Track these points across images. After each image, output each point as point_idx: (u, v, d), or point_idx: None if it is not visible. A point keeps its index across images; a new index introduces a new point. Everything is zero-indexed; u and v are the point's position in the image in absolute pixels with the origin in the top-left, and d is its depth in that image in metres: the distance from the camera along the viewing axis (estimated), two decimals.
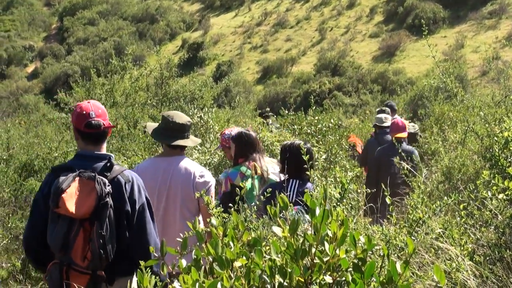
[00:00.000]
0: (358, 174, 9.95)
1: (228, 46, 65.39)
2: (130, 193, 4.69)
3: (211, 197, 5.70)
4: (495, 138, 5.49)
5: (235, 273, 2.31)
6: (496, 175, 4.87)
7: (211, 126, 10.99)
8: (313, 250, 2.32)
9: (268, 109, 14.96)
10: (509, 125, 5.32)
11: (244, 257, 2.32)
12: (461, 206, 5.12)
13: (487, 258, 4.66)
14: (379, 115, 12.12)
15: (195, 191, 5.67)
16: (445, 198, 5.16)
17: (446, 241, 4.75)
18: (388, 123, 11.38)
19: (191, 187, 5.94)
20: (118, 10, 79.74)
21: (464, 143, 9.62)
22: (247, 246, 2.43)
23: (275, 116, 14.03)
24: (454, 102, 12.20)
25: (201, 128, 11.12)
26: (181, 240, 2.68)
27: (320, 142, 10.43)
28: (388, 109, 12.89)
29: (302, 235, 2.39)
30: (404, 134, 10.34)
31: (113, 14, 78.48)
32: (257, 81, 56.05)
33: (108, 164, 4.69)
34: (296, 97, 45.09)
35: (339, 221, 2.37)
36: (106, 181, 4.54)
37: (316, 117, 11.07)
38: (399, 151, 8.86)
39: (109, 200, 4.48)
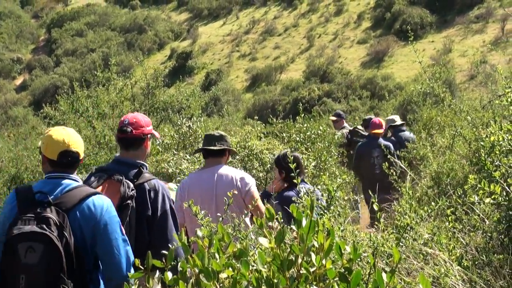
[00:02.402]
0: (347, 180, 9.96)
1: (216, 55, 65.40)
2: (154, 200, 5.05)
3: (254, 194, 6.42)
4: (482, 142, 5.50)
5: (221, 284, 2.31)
6: (483, 179, 4.88)
7: (199, 136, 10.98)
8: (300, 260, 2.32)
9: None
10: (495, 130, 5.33)
11: (230, 268, 2.32)
12: (449, 211, 5.13)
13: (476, 263, 4.67)
14: (391, 116, 13.09)
15: (240, 192, 6.21)
16: (433, 203, 5.17)
17: (434, 247, 4.76)
18: (400, 122, 12.59)
19: (238, 189, 6.40)
20: (106, 21, 79.59)
21: (452, 148, 9.66)
22: (233, 257, 2.43)
23: (264, 124, 14.05)
24: (442, 107, 12.24)
25: (190, 138, 11.12)
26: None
27: (309, 150, 10.44)
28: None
29: (289, 245, 2.39)
30: (380, 131, 11.68)
31: (101, 25, 78.33)
32: (246, 89, 56.06)
33: (138, 171, 5.10)
34: (286, 105, 45.10)
35: (326, 231, 2.38)
36: (132, 185, 4.94)
37: (305, 125, 11.08)
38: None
39: (131, 202, 4.87)
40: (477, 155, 6.21)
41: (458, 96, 24.62)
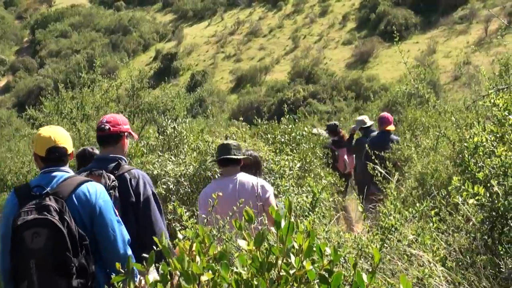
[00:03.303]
0: (333, 181, 9.96)
1: (201, 56, 65.41)
2: (136, 187, 5.29)
3: (271, 202, 6.59)
4: (465, 143, 5.52)
5: (202, 287, 2.30)
6: (467, 180, 4.89)
7: (184, 137, 10.94)
8: (279, 262, 2.32)
9: (336, 122, 15.18)
10: (479, 131, 5.35)
11: (210, 271, 2.32)
12: (433, 212, 5.14)
13: (459, 264, 4.68)
14: (361, 117, 13.29)
15: (260, 198, 6.42)
16: (417, 204, 5.18)
17: (418, 248, 4.77)
18: (371, 122, 12.85)
19: (254, 197, 6.55)
20: (90, 22, 79.36)
21: (437, 149, 9.67)
22: (214, 260, 2.43)
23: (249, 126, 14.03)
24: (426, 108, 12.27)
25: (175, 139, 11.08)
26: None
27: (294, 151, 10.43)
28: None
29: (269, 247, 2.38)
30: (393, 127, 11.96)
31: (85, 26, 78.10)
32: (231, 90, 56.10)
33: (116, 164, 5.36)
34: (271, 106, 45.17)
35: (306, 233, 2.37)
36: (113, 177, 5.20)
37: (290, 126, 11.07)
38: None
39: (113, 192, 5.10)
40: (461, 156, 6.22)
41: (442, 97, 24.74)
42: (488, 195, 4.84)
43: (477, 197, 4.77)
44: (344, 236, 4.84)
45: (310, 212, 4.89)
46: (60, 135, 4.84)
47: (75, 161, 7.03)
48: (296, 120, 11.92)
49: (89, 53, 66.38)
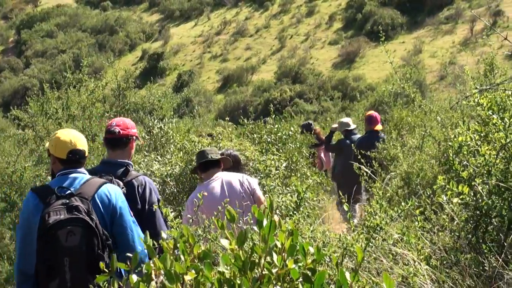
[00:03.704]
0: (319, 181, 9.97)
1: (188, 56, 65.22)
2: (142, 194, 5.53)
3: (258, 193, 6.89)
4: (450, 143, 5.55)
5: (186, 286, 2.31)
6: (451, 179, 4.92)
7: (171, 137, 10.93)
8: (262, 261, 2.33)
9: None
10: (463, 130, 5.38)
11: (194, 271, 2.32)
12: (418, 211, 5.17)
13: (444, 262, 4.71)
14: (345, 120, 13.60)
15: (249, 191, 6.76)
16: (403, 203, 5.20)
17: (404, 247, 4.79)
18: (354, 126, 13.22)
19: (245, 189, 6.88)
20: (76, 22, 78.94)
21: (422, 148, 9.71)
22: (198, 259, 2.43)
23: (235, 126, 14.03)
24: (412, 107, 12.32)
25: (161, 139, 11.07)
26: None
27: (281, 150, 10.43)
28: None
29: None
30: (381, 127, 12.43)
31: (71, 26, 77.67)
32: (218, 90, 55.97)
33: (125, 170, 5.60)
34: (257, 106, 45.07)
35: (289, 231, 2.38)
36: (121, 183, 5.35)
37: (276, 126, 11.07)
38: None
39: None
40: (446, 155, 6.26)
41: (428, 96, 24.79)
42: (472, 194, 4.87)
43: (461, 196, 4.81)
44: (329, 236, 4.86)
45: (295, 212, 4.89)
46: (78, 138, 5.08)
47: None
48: (282, 120, 11.94)
49: (75, 53, 66.02)
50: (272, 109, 12.01)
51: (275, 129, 10.90)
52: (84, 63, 14.62)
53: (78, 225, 4.57)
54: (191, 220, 5.47)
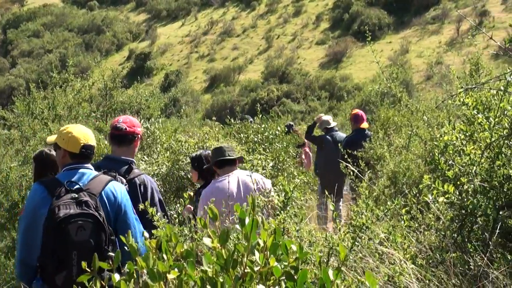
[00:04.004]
0: (306, 180, 9.97)
1: (175, 56, 65.22)
2: (144, 193, 5.64)
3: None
4: (436, 142, 5.56)
5: (170, 285, 2.31)
6: (437, 179, 4.93)
7: (158, 137, 10.91)
8: (244, 260, 2.33)
9: (240, 114, 15.12)
10: (449, 129, 5.39)
11: (176, 269, 2.32)
12: (404, 211, 5.17)
13: (429, 261, 4.72)
14: (326, 118, 13.57)
15: (263, 190, 6.60)
16: (389, 203, 5.21)
17: (390, 246, 4.79)
18: (334, 124, 13.34)
19: (260, 189, 6.73)
20: (63, 21, 78.73)
21: (409, 148, 9.73)
22: (180, 258, 2.43)
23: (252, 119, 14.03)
24: (399, 107, 12.34)
25: (148, 139, 11.04)
26: None
27: (267, 150, 10.42)
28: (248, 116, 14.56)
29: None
30: (367, 125, 12.63)
31: (58, 26, 77.45)
32: (205, 90, 56.00)
33: (128, 167, 5.70)
34: (244, 105, 45.14)
35: (271, 230, 2.39)
36: (124, 180, 5.47)
37: (263, 125, 11.06)
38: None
39: None
40: (431, 154, 6.27)
41: (415, 96, 24.85)
42: (457, 193, 4.88)
43: (447, 195, 4.82)
44: (315, 235, 4.85)
45: (281, 211, 4.89)
46: (89, 134, 5.22)
47: (33, 163, 6.93)
48: (269, 120, 11.93)
49: (61, 52, 65.92)
50: (259, 108, 12.00)
51: (262, 129, 10.89)
52: (70, 62, 14.58)
53: (88, 220, 4.65)
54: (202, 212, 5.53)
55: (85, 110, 13.74)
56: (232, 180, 6.95)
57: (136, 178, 5.67)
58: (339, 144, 11.42)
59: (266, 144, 10.63)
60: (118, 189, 5.04)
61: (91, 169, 5.12)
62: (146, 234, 3.11)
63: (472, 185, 4.89)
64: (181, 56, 64.61)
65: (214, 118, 12.63)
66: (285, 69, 53.13)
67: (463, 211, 4.85)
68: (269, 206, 6.07)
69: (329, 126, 13.12)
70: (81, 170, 5.03)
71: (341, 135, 13.19)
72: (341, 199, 12.06)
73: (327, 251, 4.53)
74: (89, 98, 14.73)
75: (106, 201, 4.91)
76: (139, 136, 6.01)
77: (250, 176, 6.93)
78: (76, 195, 4.73)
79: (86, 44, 71.39)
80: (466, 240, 4.82)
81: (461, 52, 37.51)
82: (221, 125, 13.92)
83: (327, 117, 13.70)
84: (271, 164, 9.53)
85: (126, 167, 5.72)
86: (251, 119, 13.89)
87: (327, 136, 12.87)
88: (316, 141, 13.57)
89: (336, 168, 12.02)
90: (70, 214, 4.61)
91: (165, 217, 5.57)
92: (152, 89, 19.71)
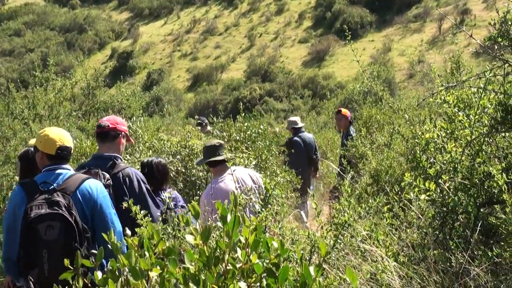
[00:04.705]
0: (289, 179, 9.98)
1: (158, 54, 65.10)
2: (130, 185, 5.77)
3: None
4: (417, 140, 5.59)
5: (152, 283, 2.31)
6: (419, 176, 4.95)
7: (140, 136, 10.88)
8: (226, 256, 2.34)
9: (197, 117, 15.01)
10: (430, 127, 5.42)
11: (158, 267, 2.33)
12: (386, 208, 5.20)
13: (411, 259, 4.74)
14: (293, 118, 13.80)
15: (258, 185, 6.90)
16: (371, 200, 5.23)
17: (372, 243, 4.81)
18: (302, 124, 13.50)
19: (256, 184, 7.05)
20: (45, 20, 78.30)
21: (391, 145, 9.77)
22: (162, 255, 2.44)
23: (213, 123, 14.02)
24: (380, 105, 12.40)
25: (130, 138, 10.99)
26: None
27: (250, 149, 10.42)
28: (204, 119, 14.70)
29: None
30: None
31: (39, 25, 77.03)
32: (188, 89, 55.92)
33: (112, 163, 5.84)
34: (227, 104, 45.13)
35: (252, 227, 2.39)
36: (107, 175, 5.63)
37: (245, 124, 11.06)
38: None
39: (108, 190, 5.40)
40: (413, 152, 6.30)
41: (397, 94, 24.95)
42: (439, 191, 4.91)
43: (428, 193, 4.84)
44: (298, 233, 4.87)
45: (263, 209, 4.90)
46: (65, 136, 5.36)
47: (18, 161, 6.93)
48: (252, 119, 11.93)
49: (43, 51, 65.57)
50: (241, 107, 12.01)
51: (245, 128, 10.89)
52: (51, 61, 14.51)
53: (57, 220, 4.78)
54: (205, 213, 5.54)
55: (67, 109, 13.68)
56: (229, 179, 6.92)
57: (121, 172, 5.81)
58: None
59: (248, 143, 10.63)
60: (94, 186, 5.16)
61: (68, 169, 5.26)
62: (128, 232, 3.12)
63: (453, 183, 4.92)
64: (163, 55, 64.50)
65: (197, 116, 12.62)
66: (267, 68, 53.14)
67: (445, 209, 4.87)
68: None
69: (297, 126, 13.22)
70: (58, 171, 5.18)
71: (309, 136, 13.39)
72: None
73: (309, 249, 4.55)
74: (71, 97, 14.68)
75: (81, 199, 5.03)
76: (123, 133, 6.14)
77: (249, 174, 7.12)
78: (49, 196, 4.90)
79: (68, 43, 71.08)
80: (448, 237, 4.84)
81: (442, 51, 37.60)
82: (208, 121, 13.93)
83: (295, 118, 13.84)
84: (253, 162, 9.54)
85: (111, 163, 5.86)
86: (205, 122, 13.97)
87: (296, 139, 12.95)
88: (287, 147, 13.67)
89: (306, 168, 12.34)
90: (40, 214, 4.78)
91: (155, 203, 5.88)
92: (134, 88, 19.66)
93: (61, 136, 5.30)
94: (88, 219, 5.04)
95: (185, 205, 6.88)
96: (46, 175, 5.18)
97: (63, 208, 4.85)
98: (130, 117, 13.37)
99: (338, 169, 10.41)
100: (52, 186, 5.00)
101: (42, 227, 4.76)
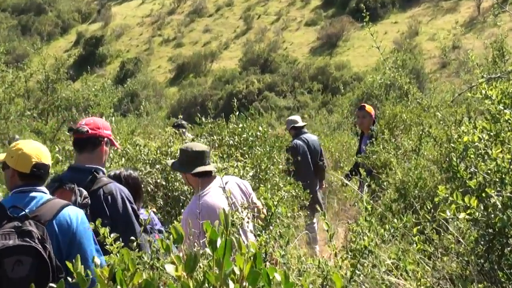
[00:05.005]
0: (294, 193, 9.92)
1: (134, 40, 65.32)
2: (112, 204, 5.69)
3: (254, 198, 7.29)
4: (453, 144, 5.51)
5: None
6: (456, 190, 4.86)
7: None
8: None
9: (181, 116, 14.97)
10: (469, 128, 5.33)
11: None
12: (415, 230, 5.11)
13: None
14: (293, 117, 13.80)
15: (248, 194, 7.12)
16: (396, 221, 5.14)
17: (399, 275, 4.73)
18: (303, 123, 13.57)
19: (246, 194, 7.19)
20: None
21: (420, 151, 9.71)
22: None
23: (190, 125, 14.00)
24: (405, 102, 12.35)
25: None
26: None
27: (246, 156, 10.37)
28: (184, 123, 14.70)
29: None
30: None
31: None
32: (170, 82, 56.09)
33: (92, 176, 5.75)
34: (218, 101, 45.24)
35: (250, 255, 2.33)
36: (85, 193, 5.50)
37: (241, 125, 11.00)
38: None
39: (84, 210, 5.26)
40: (448, 159, 6.23)
41: (428, 88, 24.95)
42: (482, 208, 4.82)
43: (469, 211, 4.75)
44: (306, 261, 4.79)
45: (263, 231, 4.83)
46: (43, 152, 5.20)
47: None
48: (248, 118, 11.88)
49: None
50: (236, 104, 11.95)
51: (240, 130, 10.83)
52: (1, 49, 14.46)
53: (29, 254, 4.62)
54: (191, 237, 5.43)
55: (19, 107, 13.63)
56: (216, 193, 6.88)
57: (102, 189, 5.71)
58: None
59: (244, 149, 10.57)
60: (74, 215, 5.02)
61: (44, 193, 5.12)
62: (97, 260, 3.07)
63: (501, 198, 4.83)
64: (140, 41, 64.72)
65: (181, 116, 12.57)
66: (267, 56, 53.29)
67: (491, 230, 4.79)
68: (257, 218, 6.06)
69: (297, 125, 13.08)
70: (32, 194, 5.04)
71: (313, 137, 13.39)
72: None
73: (321, 282, 4.47)
74: (25, 93, 14.63)
75: (58, 231, 4.90)
76: (107, 139, 6.05)
77: (236, 183, 7.12)
78: (20, 224, 4.73)
79: (23, 27, 71.28)
80: (496, 267, 4.76)
81: (482, 35, 37.71)
82: (190, 125, 13.89)
83: (295, 117, 13.77)
84: (251, 173, 9.48)
85: (91, 176, 5.76)
86: (185, 127, 13.92)
87: (297, 141, 12.79)
88: (292, 153, 13.49)
89: (313, 179, 12.30)
90: (8, 246, 4.60)
91: (139, 224, 5.61)
92: (104, 81, 19.66)
93: (38, 151, 5.16)
94: (62, 253, 4.90)
95: (162, 229, 6.81)
96: (16, 198, 5.04)
97: (36, 241, 4.68)
98: (99, 117, 13.30)
99: (344, 179, 10.31)
100: (24, 212, 4.84)
101: (9, 262, 4.59)
